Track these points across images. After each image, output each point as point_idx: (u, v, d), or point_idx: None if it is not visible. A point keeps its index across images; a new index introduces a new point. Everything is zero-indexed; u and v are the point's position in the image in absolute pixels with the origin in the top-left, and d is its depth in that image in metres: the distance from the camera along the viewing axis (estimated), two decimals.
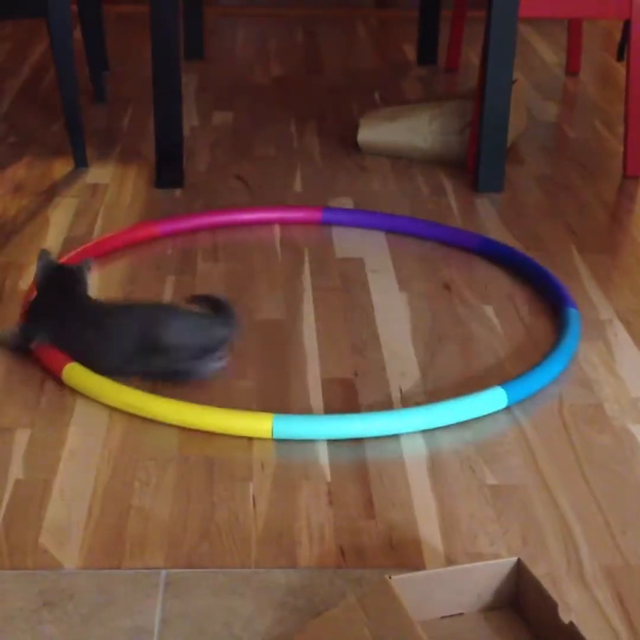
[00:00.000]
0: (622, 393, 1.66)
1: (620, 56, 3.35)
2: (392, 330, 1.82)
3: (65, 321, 1.69)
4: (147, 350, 1.64)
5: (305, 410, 1.60)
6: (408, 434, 1.54)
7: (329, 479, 1.45)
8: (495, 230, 2.21)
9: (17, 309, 1.83)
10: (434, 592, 1.20)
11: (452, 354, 1.76)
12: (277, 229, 2.19)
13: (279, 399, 1.63)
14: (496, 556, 1.30)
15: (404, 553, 1.32)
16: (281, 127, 2.77)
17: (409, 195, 2.37)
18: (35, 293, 1.77)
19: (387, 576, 1.16)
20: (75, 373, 1.63)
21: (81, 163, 2.46)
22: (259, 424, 1.53)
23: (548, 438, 1.55)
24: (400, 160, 2.55)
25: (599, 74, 3.35)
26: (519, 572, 1.22)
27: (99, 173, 2.45)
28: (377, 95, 3.04)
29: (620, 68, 3.22)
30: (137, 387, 1.60)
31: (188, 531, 1.35)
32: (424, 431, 1.55)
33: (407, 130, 2.55)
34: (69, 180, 2.41)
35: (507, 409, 1.60)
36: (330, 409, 1.61)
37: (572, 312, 1.82)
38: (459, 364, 1.74)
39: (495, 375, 1.70)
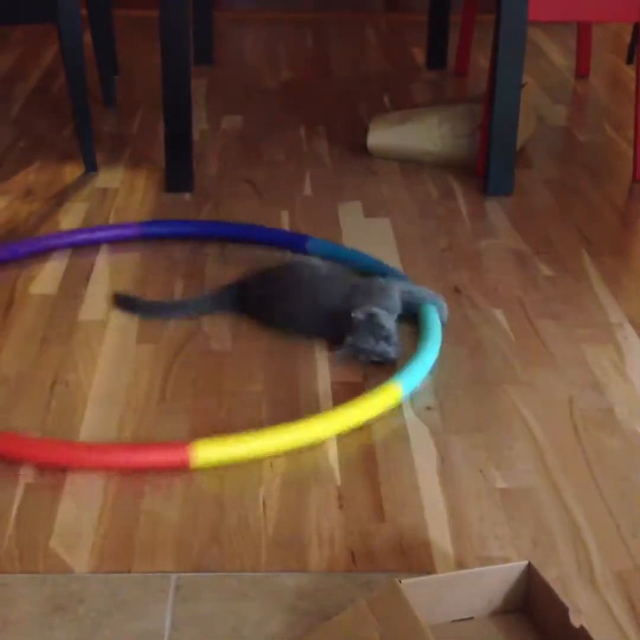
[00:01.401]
0: (632, 396, 1.66)
1: (629, 59, 3.35)
2: (401, 333, 1.82)
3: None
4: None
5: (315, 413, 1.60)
6: (418, 436, 1.54)
7: (339, 482, 1.45)
8: (505, 233, 2.20)
9: (26, 314, 1.84)
10: (444, 596, 1.20)
11: (462, 357, 1.76)
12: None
13: (288, 403, 1.63)
14: (506, 560, 1.30)
15: (414, 557, 1.32)
16: (291, 131, 2.77)
17: (418, 198, 2.37)
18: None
19: (397, 580, 1.16)
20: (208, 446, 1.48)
21: (91, 167, 2.47)
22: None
23: (558, 441, 1.55)
24: (409, 163, 2.55)
25: (608, 77, 3.35)
26: (530, 576, 1.22)
27: (108, 177, 2.45)
28: (386, 99, 3.04)
29: (630, 71, 3.21)
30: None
31: (198, 535, 1.35)
32: (434, 434, 1.55)
33: (416, 133, 2.55)
34: (79, 184, 2.41)
35: (518, 411, 1.61)
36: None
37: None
38: (469, 367, 1.73)
39: (504, 378, 1.70)
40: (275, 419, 1.58)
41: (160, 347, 1.77)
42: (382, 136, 2.58)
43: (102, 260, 2.05)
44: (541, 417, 1.60)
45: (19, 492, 1.42)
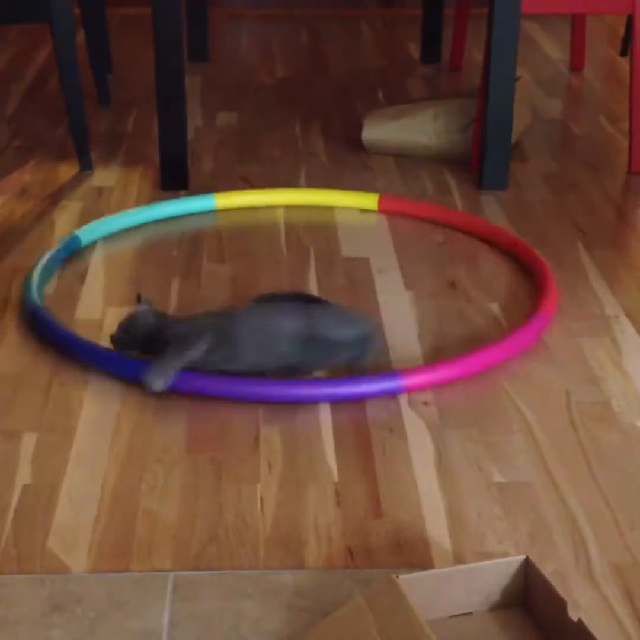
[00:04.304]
0: (629, 389, 1.66)
1: (624, 51, 3.35)
2: (398, 329, 1.82)
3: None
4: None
5: (312, 410, 1.60)
6: (415, 431, 1.54)
7: (336, 479, 1.45)
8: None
9: (22, 313, 1.84)
10: (442, 591, 1.20)
11: (459, 352, 1.76)
12: (282, 228, 2.19)
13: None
14: (504, 554, 1.30)
15: (412, 552, 1.32)
16: (286, 127, 2.77)
17: (414, 193, 2.37)
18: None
19: (395, 576, 1.16)
20: None
21: (86, 166, 2.47)
22: None
23: (555, 435, 1.55)
24: (404, 158, 2.55)
25: (603, 70, 3.35)
26: (528, 571, 1.22)
27: (104, 176, 2.45)
28: (381, 94, 3.04)
29: (625, 63, 3.21)
30: None
31: (196, 533, 1.35)
32: (431, 429, 1.55)
33: (411, 128, 2.55)
34: (74, 183, 2.41)
35: (514, 405, 1.60)
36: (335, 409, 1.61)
37: None
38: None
39: (501, 373, 1.69)
40: (275, 416, 1.58)
41: None
42: (377, 131, 2.58)
43: (97, 259, 2.05)
44: (538, 411, 1.60)
45: (16, 492, 1.42)
